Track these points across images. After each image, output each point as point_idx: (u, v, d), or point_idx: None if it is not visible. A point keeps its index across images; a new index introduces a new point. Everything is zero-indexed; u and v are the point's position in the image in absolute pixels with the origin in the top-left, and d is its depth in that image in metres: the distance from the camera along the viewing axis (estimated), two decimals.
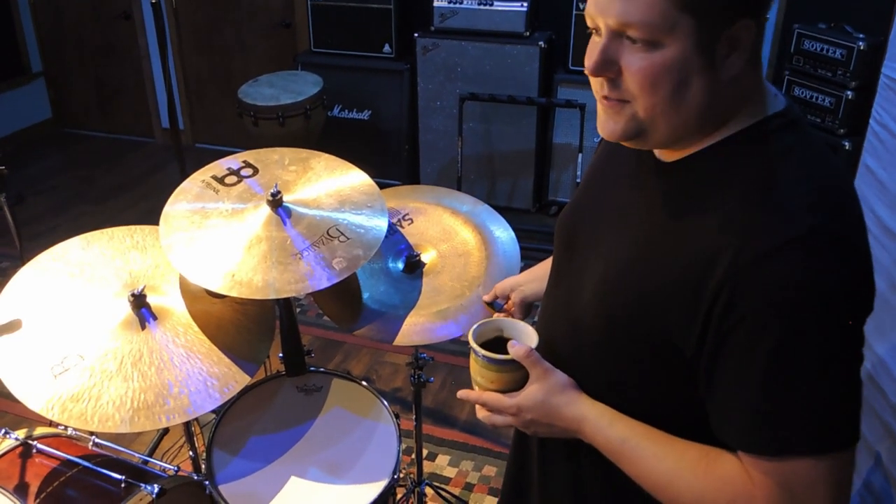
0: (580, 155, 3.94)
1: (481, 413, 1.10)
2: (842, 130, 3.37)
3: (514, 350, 1.03)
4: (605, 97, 0.93)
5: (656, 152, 1.00)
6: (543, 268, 1.44)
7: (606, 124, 0.95)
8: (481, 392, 1.08)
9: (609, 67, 0.90)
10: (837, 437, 0.85)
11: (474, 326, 1.10)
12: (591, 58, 0.91)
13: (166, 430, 2.64)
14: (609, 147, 1.12)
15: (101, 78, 5.47)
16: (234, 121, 4.21)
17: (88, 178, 4.97)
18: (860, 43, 3.21)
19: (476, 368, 1.08)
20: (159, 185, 4.74)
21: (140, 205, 4.56)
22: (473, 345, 1.07)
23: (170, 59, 2.57)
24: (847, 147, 3.32)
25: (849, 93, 3.29)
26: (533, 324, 1.14)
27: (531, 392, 1.04)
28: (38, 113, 5.54)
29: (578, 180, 3.97)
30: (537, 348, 1.06)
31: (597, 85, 0.94)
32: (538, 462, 1.20)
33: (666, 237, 0.94)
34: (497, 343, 1.09)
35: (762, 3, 0.87)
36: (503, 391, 1.06)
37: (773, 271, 0.83)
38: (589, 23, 0.92)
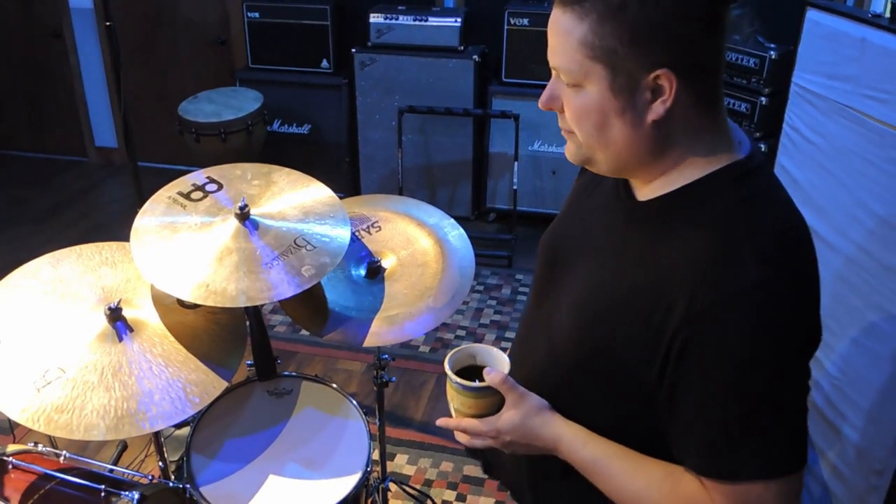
0: (516, 163, 4.10)
1: (461, 437, 1.18)
2: (758, 134, 3.60)
3: (491, 377, 1.11)
4: (560, 126, 1.08)
5: (634, 189, 1.10)
6: None
7: (568, 149, 1.09)
8: (460, 419, 1.16)
9: (553, 103, 1.05)
10: (787, 461, 0.95)
11: (449, 355, 1.17)
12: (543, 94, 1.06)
13: (125, 446, 2.67)
14: (592, 175, 1.20)
15: (31, 97, 5.36)
16: (171, 137, 4.21)
17: (22, 199, 4.88)
18: (772, 52, 3.45)
19: (454, 395, 1.15)
20: (97, 203, 4.69)
21: (80, 223, 4.48)
22: (450, 374, 1.13)
23: (106, 76, 2.63)
24: (763, 149, 3.56)
25: (763, 99, 3.52)
26: (505, 350, 1.21)
27: (509, 416, 1.12)
28: None
29: (515, 187, 4.13)
30: (510, 372, 1.13)
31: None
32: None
33: (630, 275, 1.04)
34: (471, 370, 1.16)
35: (680, 55, 0.93)
36: (481, 415, 1.14)
37: (725, 319, 0.92)
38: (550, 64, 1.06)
